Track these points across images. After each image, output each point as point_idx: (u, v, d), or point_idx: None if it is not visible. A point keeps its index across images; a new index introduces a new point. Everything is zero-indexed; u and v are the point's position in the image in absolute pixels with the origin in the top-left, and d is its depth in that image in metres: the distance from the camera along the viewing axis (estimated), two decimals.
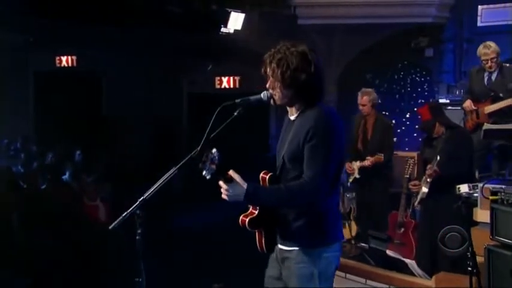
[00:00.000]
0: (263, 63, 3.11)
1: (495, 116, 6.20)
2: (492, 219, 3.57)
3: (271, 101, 3.11)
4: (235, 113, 3.10)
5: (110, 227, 3.03)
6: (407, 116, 9.92)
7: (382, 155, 6.60)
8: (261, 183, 3.14)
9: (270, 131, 11.10)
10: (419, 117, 5.85)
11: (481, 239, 3.80)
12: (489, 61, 6.20)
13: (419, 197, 5.61)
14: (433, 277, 4.42)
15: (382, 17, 9.21)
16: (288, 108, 3.16)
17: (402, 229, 6.16)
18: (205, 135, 3.08)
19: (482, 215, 4.01)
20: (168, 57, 10.55)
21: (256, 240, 3.17)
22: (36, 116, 12.66)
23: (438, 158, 5.20)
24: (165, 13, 8.17)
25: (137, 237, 3.05)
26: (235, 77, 11.33)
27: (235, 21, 7.86)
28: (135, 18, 8.57)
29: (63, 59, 12.48)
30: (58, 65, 12.56)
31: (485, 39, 6.83)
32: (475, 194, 4.59)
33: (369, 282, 4.70)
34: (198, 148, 3.08)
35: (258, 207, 3.09)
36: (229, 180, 2.94)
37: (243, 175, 3.00)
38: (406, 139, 9.47)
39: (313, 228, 2.99)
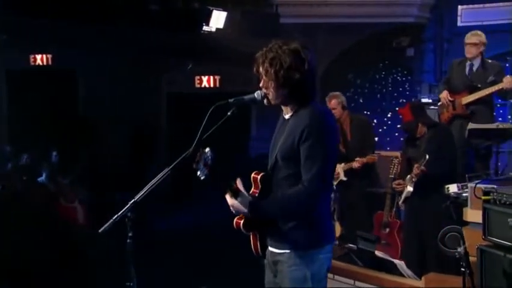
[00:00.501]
0: (255, 63, 3.09)
1: (472, 107, 6.27)
2: (484, 220, 3.58)
3: (265, 100, 3.09)
4: (229, 113, 3.08)
5: (100, 230, 2.97)
6: (389, 115, 9.97)
7: (376, 155, 6.62)
8: (252, 183, 3.12)
9: (251, 132, 11.05)
10: (401, 117, 5.88)
11: (472, 239, 3.80)
12: (469, 46, 6.27)
13: (403, 196, 5.63)
14: (423, 277, 4.43)
15: (364, 16, 9.27)
16: (283, 107, 3.13)
17: (387, 229, 6.18)
18: (198, 135, 3.05)
19: (472, 215, 4.02)
20: (148, 55, 10.41)
21: (251, 243, 3.14)
22: (10, 116, 12.41)
23: (427, 157, 5.21)
24: (145, 11, 8.07)
25: (128, 241, 3.00)
26: (216, 77, 11.24)
27: (217, 19, 7.79)
28: (114, 16, 8.45)
29: (38, 57, 12.22)
30: (32, 64, 12.31)
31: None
32: (464, 194, 4.62)
33: (358, 283, 4.69)
34: (191, 149, 3.04)
35: None
36: (235, 193, 2.95)
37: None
38: (388, 139, 9.53)
39: (305, 230, 2.96)
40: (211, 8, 7.70)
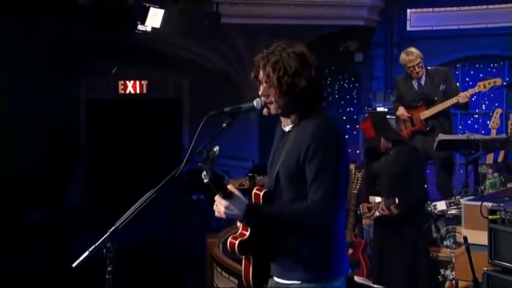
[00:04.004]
0: (254, 67, 2.93)
1: (431, 121, 6.46)
2: (491, 241, 3.54)
3: (265, 110, 2.92)
4: (224, 124, 2.89)
5: (74, 265, 2.71)
6: None
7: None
8: (253, 200, 2.92)
9: (183, 143, 10.77)
10: (362, 132, 5.84)
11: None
12: (415, 67, 6.43)
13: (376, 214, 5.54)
14: None
15: (310, 18, 9.25)
16: (283, 118, 2.97)
17: (350, 250, 6.11)
18: (190, 149, 2.87)
19: (467, 235, 3.97)
20: (66, 56, 9.90)
21: (242, 271, 2.94)
22: None
23: (397, 201, 5.13)
24: (69, 4, 7.61)
25: (107, 276, 2.75)
26: (142, 81, 10.92)
27: (154, 18, 7.47)
28: (29, 8, 7.90)
29: None
30: None
31: (415, 44, 7.11)
32: (449, 212, 4.63)
33: None
34: (181, 166, 2.86)
35: (249, 228, 2.86)
36: (228, 196, 2.73)
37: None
38: None
39: (319, 258, 2.80)
40: (147, 5, 7.36)
